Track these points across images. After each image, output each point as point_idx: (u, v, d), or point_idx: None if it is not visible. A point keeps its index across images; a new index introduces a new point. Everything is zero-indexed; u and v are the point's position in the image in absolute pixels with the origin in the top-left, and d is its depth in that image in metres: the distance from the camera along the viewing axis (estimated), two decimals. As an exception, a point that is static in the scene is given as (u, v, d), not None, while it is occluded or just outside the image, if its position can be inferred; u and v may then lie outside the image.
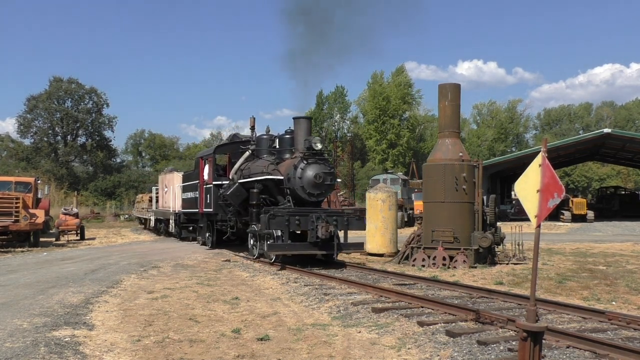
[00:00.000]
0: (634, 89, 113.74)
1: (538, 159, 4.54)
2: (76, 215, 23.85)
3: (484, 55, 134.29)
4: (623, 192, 45.76)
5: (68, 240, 22.36)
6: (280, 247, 12.31)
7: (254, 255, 13.59)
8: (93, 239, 24.24)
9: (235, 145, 16.92)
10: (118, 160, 71.99)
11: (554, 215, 33.60)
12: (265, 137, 15.56)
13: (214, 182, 16.26)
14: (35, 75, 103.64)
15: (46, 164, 58.96)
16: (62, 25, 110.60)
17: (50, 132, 63.11)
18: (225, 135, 74.07)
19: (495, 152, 73.64)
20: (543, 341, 4.68)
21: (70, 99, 63.24)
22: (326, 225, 12.11)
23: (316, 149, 13.13)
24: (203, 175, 17.16)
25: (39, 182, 23.37)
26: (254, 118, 16.15)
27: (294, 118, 14.17)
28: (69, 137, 64.25)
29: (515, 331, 5.87)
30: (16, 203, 18.09)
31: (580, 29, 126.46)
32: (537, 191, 4.49)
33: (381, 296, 8.55)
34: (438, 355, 5.50)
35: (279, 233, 12.44)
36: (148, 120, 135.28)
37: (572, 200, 35.40)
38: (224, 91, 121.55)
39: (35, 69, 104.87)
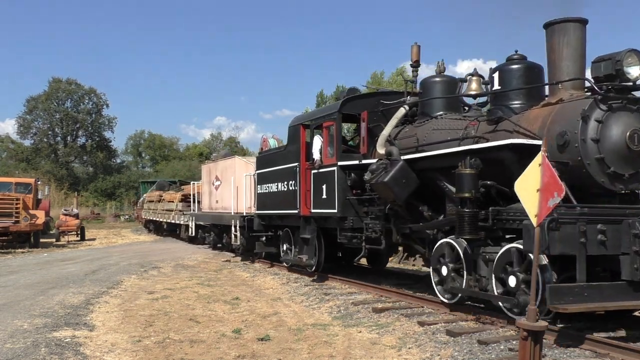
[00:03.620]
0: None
1: (538, 159, 4.55)
2: (76, 216, 23.88)
3: (484, 55, 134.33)
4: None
5: (68, 241, 22.38)
6: (577, 295, 5.55)
7: (451, 301, 7.26)
8: (93, 239, 24.27)
9: (373, 98, 10.26)
10: (118, 160, 72.04)
11: (554, 215, 33.56)
12: (438, 80, 8.83)
13: (339, 163, 9.51)
14: (34, 76, 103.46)
15: (46, 164, 58.94)
16: (62, 25, 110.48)
17: (50, 133, 63.07)
18: (226, 135, 73.17)
19: (495, 151, 73.48)
20: (543, 340, 4.68)
21: (69, 100, 63.31)
22: None
23: (631, 78, 6.31)
24: (309, 153, 10.62)
25: (39, 183, 23.43)
26: (419, 46, 9.53)
27: (545, 25, 7.02)
28: (68, 137, 64.23)
29: (515, 331, 5.87)
30: (16, 204, 18.15)
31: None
32: (537, 190, 4.50)
33: (381, 296, 8.55)
34: (439, 355, 5.50)
35: (545, 261, 5.78)
36: (148, 120, 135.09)
37: (572, 200, 35.42)
38: (224, 91, 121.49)
39: (35, 69, 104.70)
